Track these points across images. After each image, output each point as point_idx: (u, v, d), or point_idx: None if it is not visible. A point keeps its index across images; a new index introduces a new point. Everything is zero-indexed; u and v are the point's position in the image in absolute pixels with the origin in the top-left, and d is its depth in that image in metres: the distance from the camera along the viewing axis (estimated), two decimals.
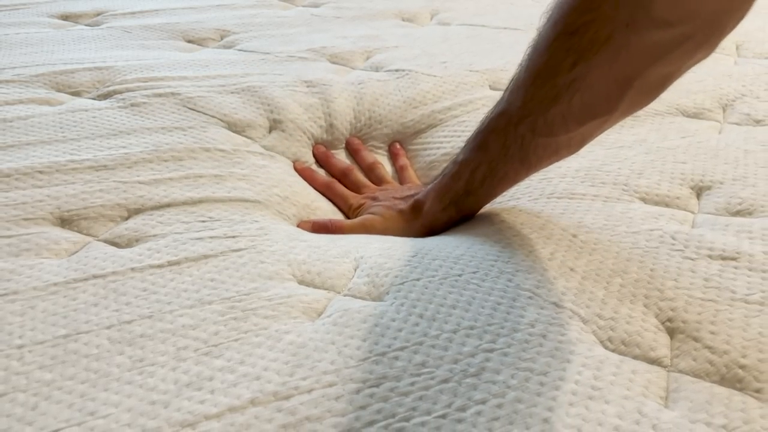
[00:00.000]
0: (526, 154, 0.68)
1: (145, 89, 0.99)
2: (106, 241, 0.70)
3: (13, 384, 0.52)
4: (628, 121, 0.97)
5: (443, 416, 0.49)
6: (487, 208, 0.79)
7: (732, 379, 0.54)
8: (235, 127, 0.95)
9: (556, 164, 0.77)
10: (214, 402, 0.50)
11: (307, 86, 1.06)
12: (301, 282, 0.66)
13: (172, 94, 0.98)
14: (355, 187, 0.92)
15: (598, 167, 0.86)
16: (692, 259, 0.66)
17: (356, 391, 0.50)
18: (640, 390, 0.52)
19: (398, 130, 1.05)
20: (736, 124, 1.00)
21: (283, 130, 0.98)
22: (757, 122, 0.99)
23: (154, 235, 0.71)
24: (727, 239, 0.69)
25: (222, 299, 0.61)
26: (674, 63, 0.58)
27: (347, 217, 0.89)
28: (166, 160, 0.83)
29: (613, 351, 0.57)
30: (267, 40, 1.26)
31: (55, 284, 0.62)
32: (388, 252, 0.69)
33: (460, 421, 0.48)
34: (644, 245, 0.69)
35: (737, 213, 0.76)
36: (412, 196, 0.82)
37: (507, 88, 0.69)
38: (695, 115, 1.03)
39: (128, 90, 0.99)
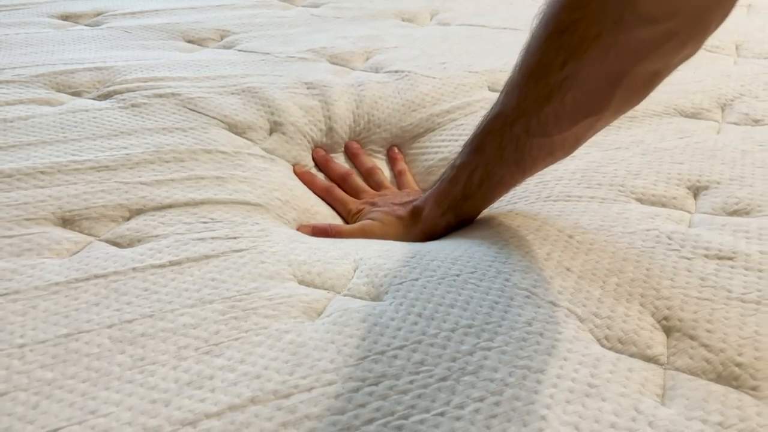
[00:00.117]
0: (522, 156, 0.69)
1: (146, 89, 1.00)
2: (107, 241, 0.71)
3: (14, 383, 0.52)
4: (625, 122, 0.98)
5: (441, 414, 0.49)
6: (484, 213, 0.80)
7: (728, 377, 0.54)
8: (235, 129, 0.96)
9: (552, 167, 0.78)
10: (214, 400, 0.50)
11: (307, 88, 1.06)
12: (301, 282, 0.66)
13: (173, 94, 0.99)
14: (354, 192, 0.93)
15: (594, 169, 0.86)
16: (688, 259, 0.67)
17: (355, 390, 0.51)
18: (636, 387, 0.53)
19: (397, 134, 1.05)
20: (735, 123, 1.00)
21: (283, 133, 0.99)
22: (756, 122, 0.99)
23: (156, 236, 0.71)
24: (723, 239, 0.70)
25: (223, 299, 0.62)
26: (661, 60, 0.59)
27: (346, 221, 0.89)
28: (167, 161, 0.84)
29: (609, 349, 0.57)
30: (267, 41, 1.26)
31: (57, 284, 0.63)
32: (387, 253, 0.70)
33: (458, 418, 0.49)
34: (640, 245, 0.69)
35: (734, 213, 0.76)
36: (410, 202, 0.83)
37: (503, 89, 0.69)
38: (693, 116, 1.03)
39: (128, 90, 0.99)
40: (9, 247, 0.67)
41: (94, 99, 1.00)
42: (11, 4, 1.41)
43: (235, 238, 0.72)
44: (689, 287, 0.63)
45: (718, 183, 0.82)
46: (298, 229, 0.82)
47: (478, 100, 1.07)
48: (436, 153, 1.00)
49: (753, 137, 0.92)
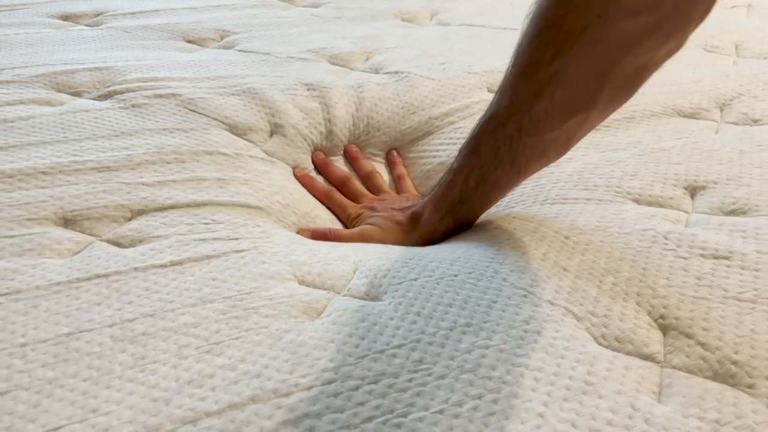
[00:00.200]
0: (516, 156, 0.70)
1: (146, 90, 1.00)
2: (109, 242, 0.71)
3: (15, 382, 0.52)
4: (623, 122, 0.98)
5: (440, 411, 0.50)
6: (482, 218, 0.80)
7: (725, 374, 0.55)
8: (236, 130, 0.96)
9: (549, 170, 0.79)
10: (214, 399, 0.51)
11: (308, 89, 1.07)
12: (301, 282, 0.67)
13: (173, 95, 0.99)
14: (353, 196, 0.94)
15: (591, 170, 0.86)
16: (685, 258, 0.67)
17: (355, 388, 0.52)
18: (633, 385, 0.54)
19: (396, 137, 1.06)
20: (734, 123, 1.01)
21: (284, 135, 0.99)
22: (755, 121, 0.99)
23: (158, 236, 0.71)
24: (720, 238, 0.70)
25: (223, 298, 0.62)
26: (646, 53, 0.60)
27: (345, 225, 0.90)
28: (169, 162, 0.84)
29: (606, 347, 0.58)
30: (267, 41, 1.27)
31: (58, 284, 0.63)
32: (386, 255, 0.71)
33: (456, 416, 0.49)
34: (636, 245, 0.70)
35: (731, 212, 0.77)
36: (409, 207, 0.83)
37: (497, 90, 0.70)
38: (692, 116, 1.03)
39: (129, 90, 1.00)
40: (10, 247, 0.68)
41: (94, 99, 1.00)
42: (11, 4, 1.41)
43: (236, 239, 0.72)
44: (685, 286, 0.64)
45: (716, 183, 0.82)
46: (297, 233, 0.83)
47: (476, 102, 1.08)
48: (434, 157, 1.01)
49: (751, 137, 0.92)
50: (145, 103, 0.97)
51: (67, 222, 0.73)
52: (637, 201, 0.80)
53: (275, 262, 0.68)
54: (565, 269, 0.67)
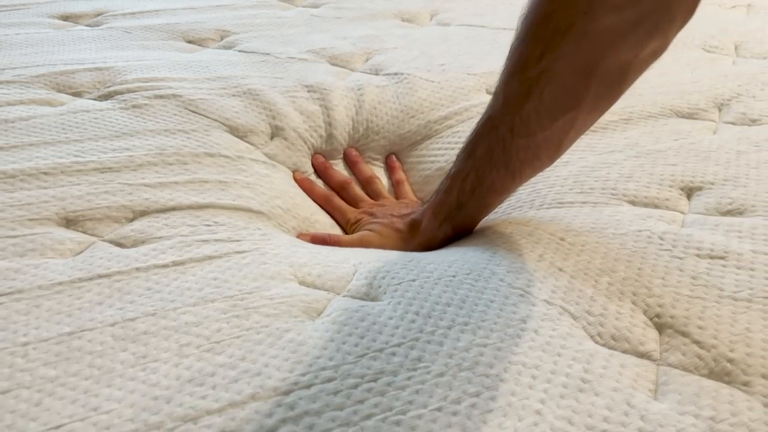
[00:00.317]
0: (510, 158, 0.70)
1: (146, 90, 1.00)
2: (111, 242, 0.72)
3: (17, 381, 0.53)
4: (620, 124, 0.99)
5: (439, 409, 0.50)
6: (479, 225, 0.81)
7: (720, 372, 0.56)
8: (237, 132, 0.96)
9: (545, 174, 0.79)
10: (215, 397, 0.51)
11: (308, 91, 1.07)
12: (301, 283, 0.67)
13: (174, 95, 0.99)
14: (353, 201, 0.95)
15: (587, 173, 0.87)
16: (680, 258, 0.68)
17: (354, 386, 0.52)
18: (629, 383, 0.55)
19: (395, 142, 1.07)
20: (732, 123, 1.01)
21: (285, 138, 1.00)
22: (753, 121, 0.99)
23: (160, 237, 0.72)
24: (716, 238, 0.71)
25: (225, 297, 0.63)
26: (630, 50, 0.61)
27: (344, 230, 0.91)
28: (170, 164, 0.85)
29: (602, 345, 0.59)
30: (267, 41, 1.27)
31: (60, 283, 0.64)
32: (385, 258, 0.72)
33: (455, 413, 0.50)
34: (632, 245, 0.70)
35: (727, 213, 0.77)
36: (409, 214, 0.84)
37: (493, 93, 0.71)
38: (689, 116, 1.03)
39: (129, 91, 1.00)
40: (12, 247, 0.68)
41: (94, 99, 1.00)
42: (11, 4, 1.41)
43: (237, 240, 0.73)
44: (681, 286, 0.64)
45: (712, 184, 0.82)
46: (297, 237, 0.84)
47: (475, 105, 1.08)
48: (432, 162, 1.01)
49: (749, 137, 0.92)
50: (146, 104, 0.97)
51: (69, 222, 0.74)
52: (632, 203, 0.81)
53: (276, 263, 0.69)
54: (561, 270, 0.67)
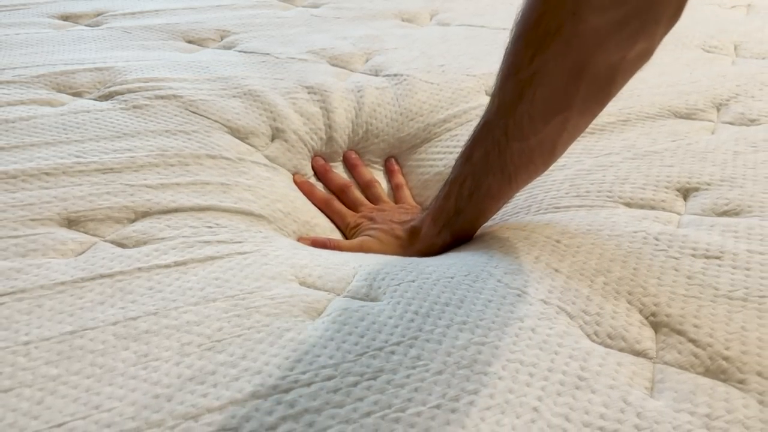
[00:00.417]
0: (505, 162, 0.71)
1: (147, 90, 1.01)
2: (113, 242, 0.72)
3: (19, 379, 0.53)
4: (618, 125, 0.99)
5: (437, 406, 0.51)
6: (478, 232, 0.82)
7: (716, 370, 0.56)
8: (238, 134, 0.97)
9: (541, 178, 0.80)
10: (216, 395, 0.52)
11: (308, 92, 1.08)
12: (302, 284, 0.68)
13: (174, 96, 1.00)
14: (352, 205, 0.95)
15: (582, 176, 0.87)
16: (676, 258, 0.68)
17: (354, 384, 0.53)
18: (625, 380, 0.55)
19: (394, 145, 1.07)
20: (730, 123, 1.01)
21: (285, 140, 1.00)
22: (752, 121, 1.00)
23: (162, 238, 0.72)
24: (711, 239, 0.71)
25: (226, 297, 0.63)
26: (617, 51, 0.62)
27: (344, 234, 0.92)
28: (172, 165, 0.85)
29: (599, 344, 0.60)
30: (267, 41, 1.27)
31: (62, 283, 0.64)
32: (385, 261, 0.73)
33: (453, 410, 0.51)
34: (627, 246, 0.71)
35: (724, 213, 0.77)
36: (408, 221, 0.85)
37: (490, 97, 0.72)
38: (687, 116, 1.04)
39: (130, 91, 1.01)
40: (14, 247, 0.69)
41: (95, 100, 1.01)
42: (11, 4, 1.41)
43: (239, 242, 0.74)
44: (676, 285, 0.65)
45: (708, 185, 0.83)
46: (298, 241, 0.85)
47: (474, 107, 1.08)
48: (431, 166, 1.02)
49: (746, 138, 0.93)
50: (147, 104, 0.97)
51: (71, 223, 0.74)
52: (628, 205, 0.81)
53: (277, 264, 0.70)
54: (557, 270, 0.68)
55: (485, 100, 1.08)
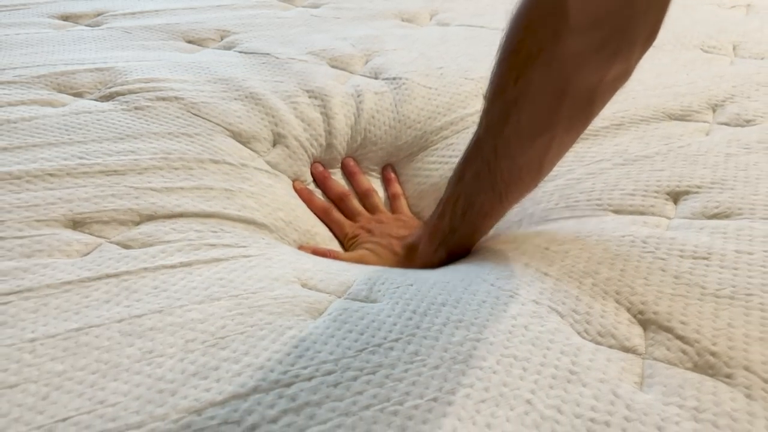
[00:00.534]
0: (495, 181, 0.74)
1: (148, 91, 1.01)
2: (118, 244, 0.73)
3: (25, 375, 0.55)
4: (611, 130, 0.99)
5: (434, 399, 0.53)
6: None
7: (704, 365, 0.58)
8: (240, 138, 0.98)
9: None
10: (219, 390, 0.54)
11: (309, 97, 1.09)
12: (304, 286, 0.70)
13: (176, 98, 1.00)
14: (350, 214, 0.97)
15: (572, 186, 0.88)
16: (663, 259, 0.70)
17: (353, 379, 0.55)
18: (615, 374, 0.57)
19: (392, 153, 1.08)
20: (726, 124, 1.02)
21: (286, 146, 1.01)
22: (747, 122, 1.00)
23: (168, 241, 0.74)
24: (700, 240, 0.72)
25: (230, 296, 0.65)
26: (595, 73, 0.64)
27: (341, 242, 0.94)
28: (176, 168, 0.87)
29: (589, 341, 0.61)
30: (267, 41, 1.27)
31: (68, 282, 0.65)
32: (384, 268, 0.76)
33: (450, 403, 0.53)
34: (615, 250, 0.73)
35: (714, 216, 0.78)
36: (406, 237, 0.88)
37: (479, 116, 0.74)
38: (682, 118, 1.04)
39: (131, 92, 1.01)
40: (20, 248, 0.70)
41: (96, 100, 1.01)
42: (11, 4, 1.41)
43: (244, 246, 0.75)
44: (663, 284, 0.66)
45: (699, 188, 0.83)
46: (299, 248, 0.87)
47: (470, 114, 1.10)
48: (428, 177, 1.04)
49: (739, 139, 0.94)
50: (148, 106, 0.98)
51: (76, 224, 0.75)
52: (617, 212, 0.82)
53: (281, 267, 0.72)
54: (546, 274, 0.70)
55: (482, 105, 1.10)
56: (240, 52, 1.24)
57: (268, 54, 1.21)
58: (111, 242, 0.74)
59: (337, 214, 0.97)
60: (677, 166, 0.89)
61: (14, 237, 0.71)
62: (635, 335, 0.62)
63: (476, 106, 1.12)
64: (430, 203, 0.98)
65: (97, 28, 1.34)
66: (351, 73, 1.21)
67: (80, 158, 0.84)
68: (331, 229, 0.96)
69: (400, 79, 1.15)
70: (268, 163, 0.98)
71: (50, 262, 0.69)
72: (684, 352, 0.60)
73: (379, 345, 0.58)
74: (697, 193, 0.83)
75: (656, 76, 1.16)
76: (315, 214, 0.97)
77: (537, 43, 0.63)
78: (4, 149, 0.85)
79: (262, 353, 0.58)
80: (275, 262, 0.73)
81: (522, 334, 0.60)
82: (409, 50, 1.28)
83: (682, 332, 0.61)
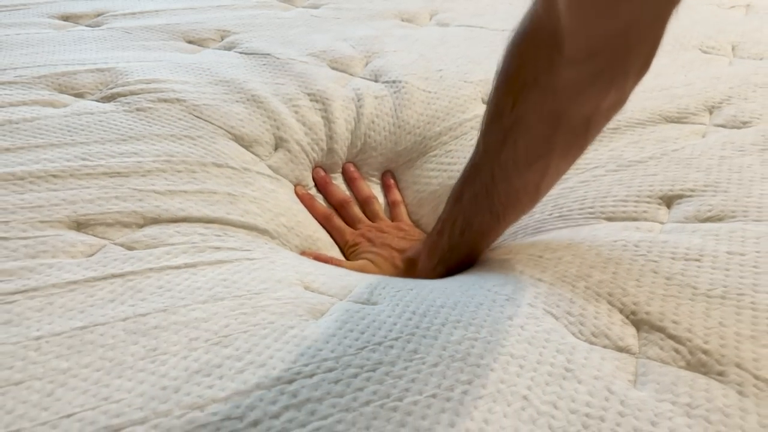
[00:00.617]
0: (492, 203, 0.76)
1: (149, 92, 1.02)
2: (122, 245, 0.74)
3: (30, 372, 0.56)
4: (607, 134, 0.99)
5: (433, 396, 0.54)
6: None
7: (696, 363, 0.60)
8: (242, 141, 1.00)
9: None
10: (221, 387, 0.55)
11: (310, 100, 1.10)
12: (307, 288, 0.72)
13: (177, 100, 1.01)
14: (351, 221, 0.99)
15: (566, 195, 0.89)
16: (655, 261, 0.71)
17: (354, 375, 0.56)
18: (610, 372, 0.59)
19: (392, 159, 1.10)
20: (722, 126, 1.02)
21: (288, 150, 1.03)
22: (744, 123, 1.01)
23: (172, 243, 0.75)
24: (692, 242, 0.73)
25: (233, 296, 0.67)
26: (590, 102, 0.66)
27: (341, 249, 0.96)
28: (179, 171, 0.88)
29: (584, 341, 0.63)
30: (267, 42, 1.28)
31: (74, 282, 0.67)
32: (385, 276, 0.78)
33: (448, 399, 0.54)
34: (607, 254, 0.74)
35: (707, 219, 0.79)
36: (406, 250, 0.89)
37: (477, 139, 0.76)
38: (678, 120, 1.04)
39: (132, 93, 1.02)
40: (24, 249, 0.71)
41: (97, 101, 1.02)
42: (11, 4, 1.42)
43: (248, 250, 0.77)
44: (655, 286, 0.68)
45: (692, 191, 0.84)
46: (301, 254, 0.88)
47: (469, 119, 1.11)
48: (426, 184, 1.05)
49: (733, 142, 0.94)
50: (150, 107, 0.99)
51: (80, 226, 0.76)
52: (610, 219, 0.83)
53: (284, 270, 0.73)
54: (540, 280, 0.71)
55: (481, 110, 1.10)
56: (240, 52, 1.25)
57: (268, 55, 1.22)
58: (115, 244, 0.75)
59: (338, 221, 0.99)
60: (671, 170, 0.89)
61: (18, 238, 0.72)
62: (628, 335, 0.64)
63: (475, 110, 1.13)
64: (429, 211, 1.01)
65: (97, 28, 1.35)
66: (351, 75, 1.22)
67: (83, 159, 0.85)
68: (331, 236, 0.98)
69: (400, 82, 1.16)
70: (269, 167, 1.00)
71: (55, 262, 0.70)
72: (676, 351, 0.61)
73: (380, 343, 0.60)
74: (690, 197, 0.84)
75: (654, 77, 1.15)
76: (316, 219, 0.98)
77: (533, 72, 0.66)
78: (7, 150, 0.85)
79: (265, 351, 0.59)
80: (278, 265, 0.74)
81: (518, 334, 0.62)
82: (409, 51, 1.29)
83: (675, 331, 0.62)
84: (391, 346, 0.60)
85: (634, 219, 0.82)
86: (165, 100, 1.01)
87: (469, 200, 0.78)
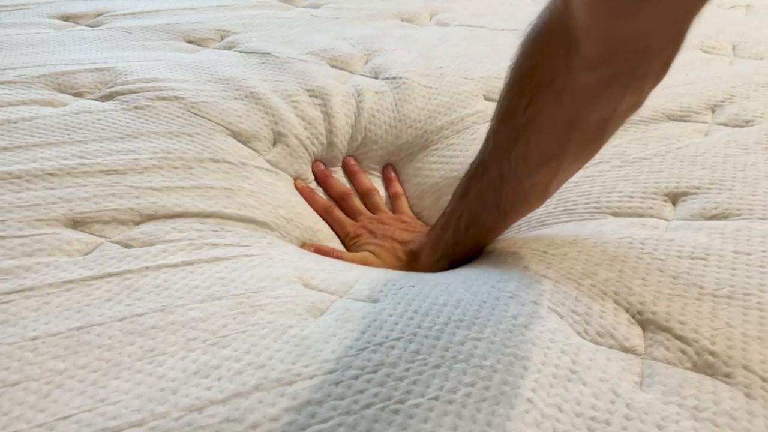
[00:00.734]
0: (500, 200, 0.75)
1: (148, 91, 1.02)
2: (119, 243, 0.74)
3: (26, 373, 0.55)
4: None
5: (435, 398, 0.53)
6: None
7: (703, 365, 0.58)
8: (240, 137, 0.99)
9: None
10: (220, 388, 0.54)
11: (309, 96, 1.09)
12: (306, 286, 0.70)
13: (176, 98, 1.01)
14: (352, 213, 0.98)
15: (570, 189, 0.88)
16: (661, 260, 0.70)
17: (355, 377, 0.55)
18: (615, 374, 0.58)
19: (392, 152, 1.09)
20: (724, 124, 1.02)
21: (287, 145, 1.02)
22: (746, 122, 1.00)
23: (169, 240, 0.74)
24: (698, 240, 0.73)
25: (231, 295, 0.65)
26: (606, 105, 0.64)
27: (342, 241, 0.94)
28: (176, 168, 0.87)
29: (589, 341, 0.62)
30: (267, 41, 1.28)
31: (70, 281, 0.66)
32: (386, 270, 0.77)
33: (451, 402, 0.53)
34: (613, 251, 0.73)
35: (712, 217, 0.79)
36: (409, 243, 0.88)
37: (485, 136, 0.75)
38: (681, 119, 1.04)
39: (131, 92, 1.01)
40: (20, 247, 0.70)
41: (96, 100, 1.01)
42: (11, 4, 1.42)
43: (246, 246, 0.76)
44: (661, 285, 0.67)
45: (698, 189, 0.84)
46: (301, 247, 0.87)
47: (470, 114, 1.10)
48: (428, 177, 1.04)
49: (737, 140, 0.94)
50: (149, 105, 0.98)
51: (77, 224, 0.76)
52: (615, 214, 0.83)
53: (282, 267, 0.72)
54: (545, 276, 0.70)
55: (482, 105, 1.11)
56: (240, 52, 1.24)
57: (268, 54, 1.22)
58: (112, 242, 0.74)
59: (338, 213, 0.98)
60: (675, 168, 0.89)
61: (15, 236, 0.71)
62: (634, 335, 0.63)
63: (476, 105, 1.13)
64: (430, 203, 1.00)
65: (97, 28, 1.34)
66: (351, 72, 1.21)
67: (80, 158, 0.85)
68: (332, 228, 0.97)
69: (400, 78, 1.16)
70: (268, 161, 0.99)
71: (52, 261, 0.69)
72: (683, 351, 0.60)
73: (381, 344, 0.59)
74: (695, 194, 0.83)
75: None
76: (316, 212, 0.97)
77: (548, 73, 0.64)
78: (5, 149, 0.85)
79: (264, 352, 0.58)
80: (277, 262, 0.73)
81: (522, 334, 0.61)
82: (409, 50, 1.28)
83: (681, 332, 0.61)
84: (393, 347, 0.58)
85: (640, 215, 0.82)
86: (163, 98, 1.01)
87: (476, 196, 0.77)
